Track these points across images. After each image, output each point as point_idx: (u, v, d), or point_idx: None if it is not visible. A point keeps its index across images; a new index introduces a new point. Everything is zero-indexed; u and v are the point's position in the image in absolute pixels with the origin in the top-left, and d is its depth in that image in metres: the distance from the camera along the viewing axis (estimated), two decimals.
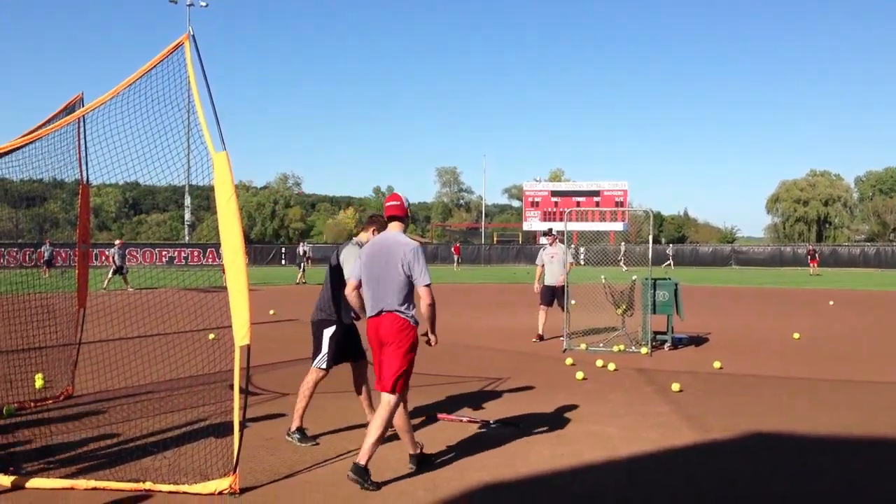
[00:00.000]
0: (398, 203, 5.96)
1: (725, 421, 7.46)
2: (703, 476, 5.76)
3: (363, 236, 6.83)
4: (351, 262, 6.29)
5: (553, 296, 13.44)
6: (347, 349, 6.96)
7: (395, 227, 5.92)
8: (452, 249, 60.22)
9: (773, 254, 65.12)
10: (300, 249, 36.42)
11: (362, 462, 5.35)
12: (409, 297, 5.67)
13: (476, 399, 8.49)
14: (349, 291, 5.96)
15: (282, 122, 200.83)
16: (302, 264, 35.03)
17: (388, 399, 5.56)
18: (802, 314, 19.55)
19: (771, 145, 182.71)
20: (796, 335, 14.24)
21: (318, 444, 6.55)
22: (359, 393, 7.04)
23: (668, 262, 59.23)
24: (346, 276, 6.37)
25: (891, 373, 10.45)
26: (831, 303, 23.27)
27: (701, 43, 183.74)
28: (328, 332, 6.80)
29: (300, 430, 6.66)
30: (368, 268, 5.74)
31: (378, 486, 5.36)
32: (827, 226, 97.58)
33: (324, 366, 6.82)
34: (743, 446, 6.66)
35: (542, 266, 13.60)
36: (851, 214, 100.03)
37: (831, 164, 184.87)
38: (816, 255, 49.63)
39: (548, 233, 13.87)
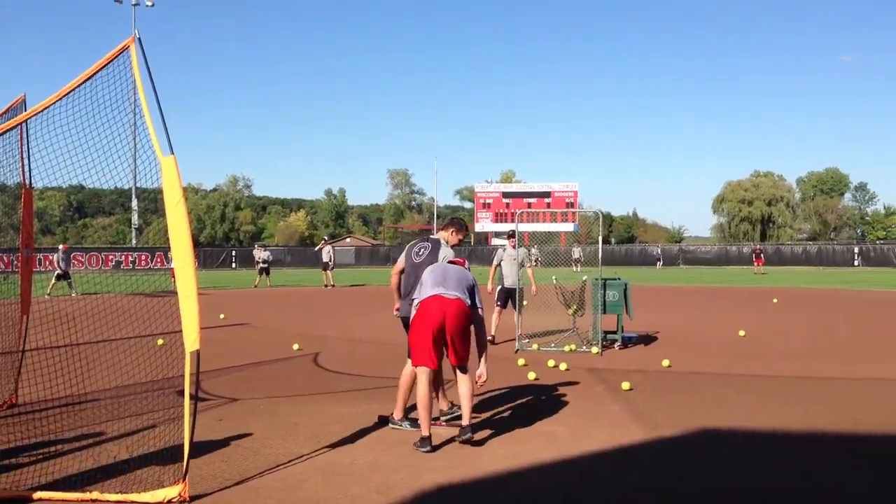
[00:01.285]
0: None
1: (674, 418, 7.59)
2: (655, 473, 5.85)
3: (444, 235, 7.70)
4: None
5: (508, 297, 13.38)
6: None
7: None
8: None
9: (719, 253, 66.45)
10: (261, 255, 35.52)
11: (466, 423, 6.57)
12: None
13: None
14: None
15: (232, 123, 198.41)
16: (264, 270, 34.14)
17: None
18: (748, 312, 19.96)
19: (716, 146, 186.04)
20: (742, 332, 14.54)
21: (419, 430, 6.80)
22: (437, 385, 7.36)
23: (659, 262, 60.23)
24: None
25: (832, 369, 10.73)
26: (775, 300, 23.79)
27: (649, 46, 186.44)
28: None
29: (405, 417, 7.11)
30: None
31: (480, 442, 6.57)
32: (770, 225, 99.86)
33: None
34: (693, 443, 6.78)
35: (497, 266, 13.57)
36: (794, 214, 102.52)
37: (774, 165, 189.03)
38: (761, 255, 50.74)
39: (511, 235, 13.67)
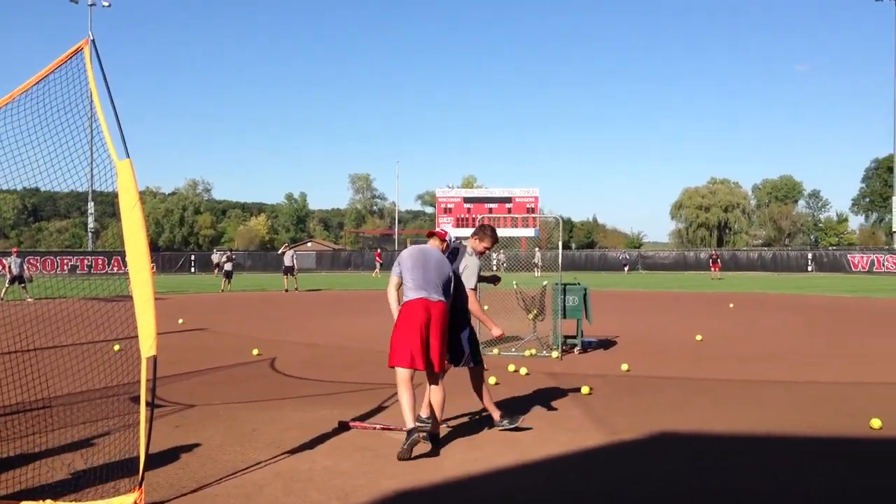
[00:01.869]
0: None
1: (634, 422, 7.66)
2: (614, 476, 5.89)
3: (471, 242, 7.68)
4: (471, 271, 7.37)
5: None
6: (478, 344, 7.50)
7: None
8: (375, 255, 60.57)
9: (677, 258, 67.31)
10: (222, 257, 35.33)
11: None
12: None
13: (390, 406, 8.48)
14: (472, 298, 7.27)
15: (191, 127, 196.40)
16: (230, 273, 33.96)
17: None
18: (705, 317, 20.24)
19: (674, 153, 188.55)
20: (699, 337, 14.73)
21: (530, 428, 7.26)
22: (479, 392, 7.42)
23: (626, 266, 60.78)
24: (466, 285, 7.30)
25: (785, 372, 10.92)
26: (731, 305, 24.15)
27: (609, 54, 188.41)
28: (464, 336, 7.25)
29: (503, 416, 7.24)
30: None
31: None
32: (727, 231, 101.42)
33: (474, 362, 7.29)
34: (651, 446, 6.85)
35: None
36: (749, 220, 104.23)
37: (730, 172, 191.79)
38: (718, 260, 51.48)
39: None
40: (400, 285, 6.97)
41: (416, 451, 6.34)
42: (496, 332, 7.26)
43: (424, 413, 6.70)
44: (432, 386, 6.81)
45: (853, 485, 5.70)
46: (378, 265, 58.15)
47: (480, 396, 7.38)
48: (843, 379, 10.36)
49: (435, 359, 6.70)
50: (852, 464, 6.26)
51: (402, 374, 6.55)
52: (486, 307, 12.96)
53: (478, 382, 7.34)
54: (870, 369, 11.25)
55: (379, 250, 66.35)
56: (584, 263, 64.96)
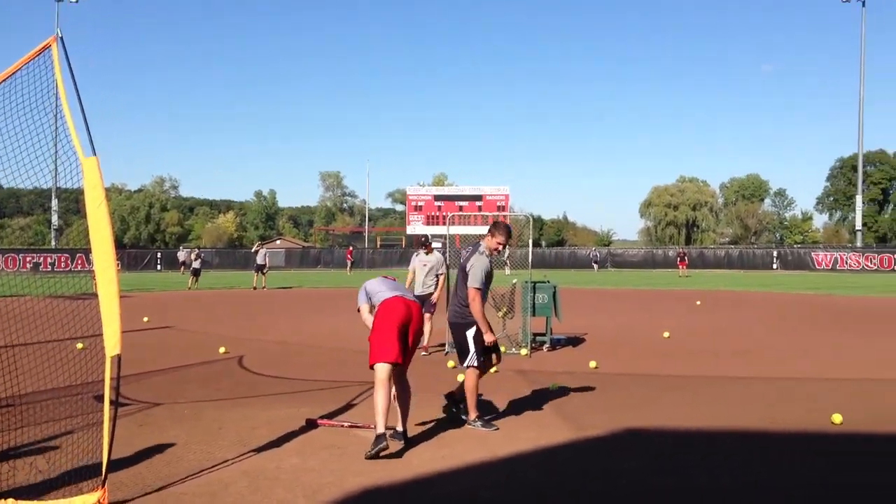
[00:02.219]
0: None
1: (600, 418, 7.72)
2: (579, 473, 5.94)
3: (487, 241, 7.59)
4: (477, 270, 7.33)
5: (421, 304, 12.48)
6: (487, 347, 7.49)
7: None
8: (346, 253, 60.44)
9: (646, 256, 67.83)
10: (191, 255, 35.10)
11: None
12: None
13: (359, 404, 8.47)
14: (473, 297, 7.30)
15: (157, 123, 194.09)
16: (198, 271, 33.74)
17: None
18: (672, 314, 20.43)
19: (644, 152, 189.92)
20: (666, 334, 14.87)
21: (498, 429, 7.26)
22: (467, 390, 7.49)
23: (596, 264, 61.11)
24: (470, 283, 7.33)
25: (750, 369, 11.07)
26: (698, 303, 24.41)
27: (579, 53, 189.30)
28: (470, 333, 7.38)
29: (479, 417, 7.34)
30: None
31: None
32: (695, 229, 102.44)
33: (475, 364, 7.39)
34: (618, 442, 6.91)
35: (414, 273, 12.84)
36: (717, 218, 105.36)
37: (699, 171, 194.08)
38: (685, 258, 51.98)
39: (424, 241, 12.97)
40: (371, 310, 7.01)
41: (385, 451, 6.32)
42: (489, 338, 7.32)
43: (400, 426, 6.68)
44: (398, 385, 6.79)
45: (813, 480, 5.79)
46: (349, 263, 58.00)
47: (463, 391, 7.50)
48: (806, 375, 10.52)
49: (408, 356, 6.76)
50: (814, 459, 6.37)
51: (382, 373, 6.44)
52: None
53: (471, 382, 7.41)
54: (831, 365, 11.44)
55: (351, 248, 66.22)
56: (554, 261, 65.22)
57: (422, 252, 12.84)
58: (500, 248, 7.55)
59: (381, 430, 6.26)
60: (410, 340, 6.75)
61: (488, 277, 7.44)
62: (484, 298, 7.43)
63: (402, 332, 6.61)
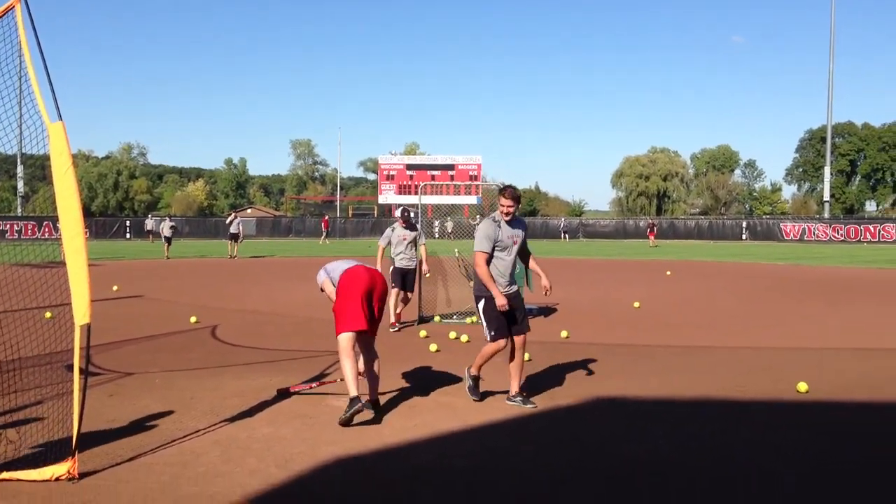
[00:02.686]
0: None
1: (571, 388, 7.79)
2: (549, 441, 5.99)
3: (499, 207, 7.20)
4: (479, 233, 7.14)
5: (403, 277, 12.14)
6: (509, 320, 7.15)
7: None
8: (321, 223, 59.93)
9: (617, 226, 68.28)
10: (161, 223, 34.94)
11: (375, 397, 6.83)
12: None
13: (331, 373, 8.46)
14: (476, 262, 7.09)
15: (125, 89, 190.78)
16: (170, 239, 33.60)
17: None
18: (643, 284, 20.61)
19: (615, 122, 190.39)
20: (636, 304, 15.01)
21: (481, 400, 7.24)
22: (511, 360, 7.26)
23: (565, 234, 61.23)
24: (474, 247, 7.14)
25: (719, 338, 11.22)
26: (669, 273, 24.65)
27: (550, 22, 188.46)
28: (480, 306, 7.15)
29: (520, 394, 7.17)
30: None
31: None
32: (666, 200, 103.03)
33: (488, 338, 7.12)
34: (587, 411, 6.97)
35: (386, 246, 12.23)
36: (688, 189, 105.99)
37: (670, 141, 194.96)
38: (655, 228, 52.41)
39: (405, 214, 12.29)
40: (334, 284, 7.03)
41: (358, 418, 6.35)
42: (499, 301, 6.90)
43: (370, 396, 6.76)
44: (366, 354, 6.83)
45: (784, 450, 5.89)
46: (325, 232, 57.22)
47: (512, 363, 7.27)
48: (773, 344, 10.69)
49: (374, 324, 6.75)
50: (778, 426, 6.48)
51: (346, 341, 6.51)
52: (427, 274, 12.88)
53: (486, 350, 7.19)
54: (798, 334, 11.63)
55: (327, 217, 65.85)
56: (569, 232, 65.20)
57: (398, 226, 12.28)
58: (509, 210, 7.04)
59: (353, 393, 6.33)
60: (376, 308, 6.75)
61: (494, 241, 6.99)
62: (495, 263, 7.10)
63: (366, 300, 6.63)
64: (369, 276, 6.73)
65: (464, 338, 10.74)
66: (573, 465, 5.43)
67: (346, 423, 6.23)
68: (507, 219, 7.10)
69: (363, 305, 6.58)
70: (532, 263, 7.63)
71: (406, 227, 12.18)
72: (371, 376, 6.79)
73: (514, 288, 7.25)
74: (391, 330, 11.54)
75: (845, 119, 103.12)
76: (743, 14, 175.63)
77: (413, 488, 4.95)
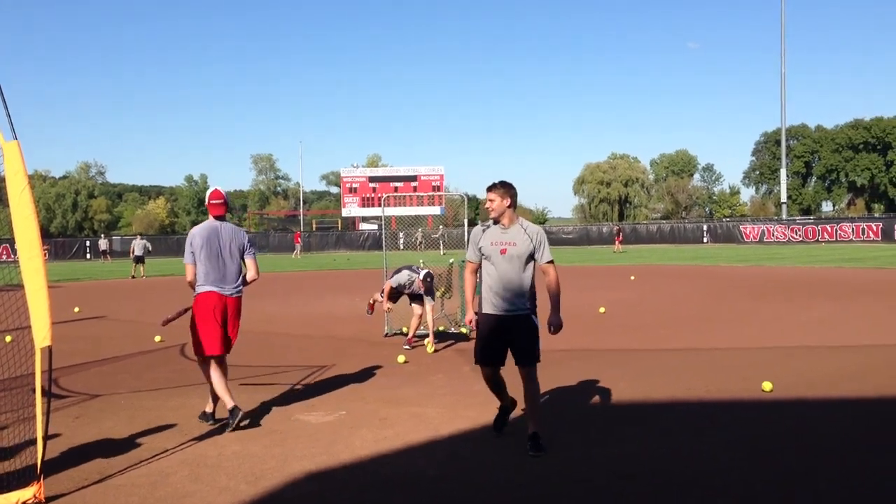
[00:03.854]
0: (222, 201, 7.18)
1: (541, 395, 7.80)
2: (519, 450, 5.99)
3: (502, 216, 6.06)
4: (469, 242, 6.32)
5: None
6: (496, 346, 6.10)
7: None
8: (293, 237, 59.54)
9: (580, 233, 68.72)
10: (133, 243, 34.31)
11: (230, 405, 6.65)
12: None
13: (300, 387, 8.41)
14: (465, 272, 6.35)
15: (82, 108, 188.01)
16: (141, 258, 33.16)
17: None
18: (607, 289, 20.77)
19: (576, 129, 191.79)
20: (602, 309, 15.13)
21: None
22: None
23: None
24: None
25: (684, 340, 11.36)
26: (632, 277, 24.87)
27: (508, 32, 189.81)
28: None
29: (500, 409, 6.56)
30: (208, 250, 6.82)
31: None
32: (627, 205, 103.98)
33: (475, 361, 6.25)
34: (559, 418, 6.99)
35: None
36: (648, 194, 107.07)
37: (630, 147, 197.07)
38: (621, 234, 52.94)
39: (426, 279, 11.06)
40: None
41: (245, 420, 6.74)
42: (467, 317, 6.37)
43: (209, 408, 7.01)
44: (217, 368, 6.93)
45: (749, 445, 5.97)
46: (298, 247, 56.57)
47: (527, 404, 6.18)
48: (738, 344, 10.84)
49: (228, 346, 6.99)
50: (746, 425, 6.57)
51: (209, 360, 6.87)
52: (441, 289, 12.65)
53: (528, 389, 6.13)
54: (761, 334, 11.80)
55: (298, 232, 65.48)
56: None
57: (417, 284, 11.12)
58: (490, 206, 6.05)
59: (231, 404, 6.63)
60: (231, 333, 6.96)
61: (478, 248, 6.08)
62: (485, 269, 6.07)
63: (222, 327, 6.84)
64: (222, 305, 6.82)
65: (430, 348, 10.74)
66: (546, 471, 5.45)
67: (237, 429, 6.57)
68: (493, 217, 6.06)
69: (220, 333, 6.82)
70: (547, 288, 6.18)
71: (423, 290, 11.15)
72: (222, 388, 6.89)
73: (515, 309, 5.99)
74: (405, 348, 10.99)
75: (799, 122, 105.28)
76: (697, 19, 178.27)
77: (383, 499, 4.93)
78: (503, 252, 5.92)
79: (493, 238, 5.99)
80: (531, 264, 6.03)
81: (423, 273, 10.85)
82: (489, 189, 6.01)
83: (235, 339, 7.02)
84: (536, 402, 6.08)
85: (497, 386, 6.35)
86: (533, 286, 6.07)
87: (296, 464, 5.64)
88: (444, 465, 5.62)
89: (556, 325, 6.08)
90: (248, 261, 7.06)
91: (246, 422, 6.80)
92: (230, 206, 7.15)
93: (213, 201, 7.10)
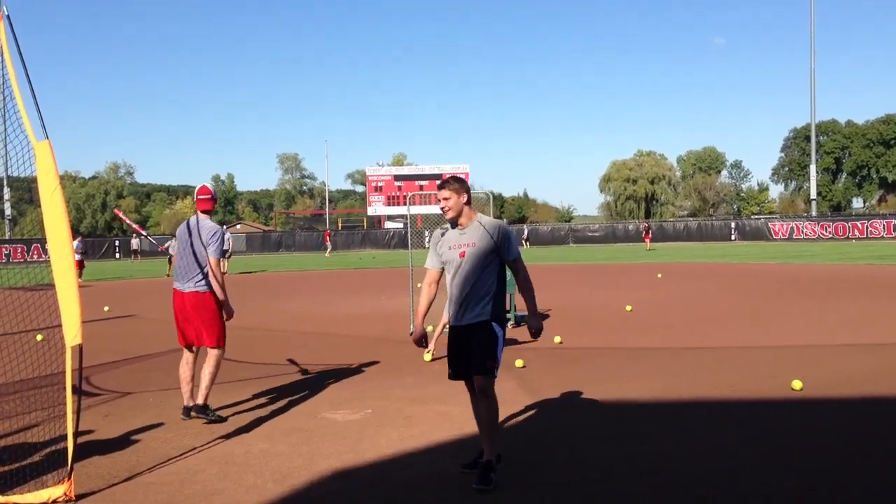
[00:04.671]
0: (208, 196, 7.19)
1: (566, 393, 7.79)
2: (549, 447, 5.99)
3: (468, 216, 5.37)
4: (430, 251, 5.56)
5: None
6: (463, 361, 5.33)
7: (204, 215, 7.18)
8: (324, 236, 60.20)
9: (606, 231, 68.34)
10: (170, 242, 34.84)
11: (201, 401, 6.83)
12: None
13: (326, 386, 8.45)
14: (425, 283, 5.51)
15: (111, 109, 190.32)
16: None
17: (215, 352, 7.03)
18: (634, 287, 20.65)
19: (602, 127, 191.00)
20: (629, 307, 15.04)
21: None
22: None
23: (525, 242, 61.07)
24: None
25: (711, 339, 11.25)
26: (659, 275, 24.70)
27: (536, 29, 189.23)
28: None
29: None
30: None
31: (223, 418, 6.93)
32: (654, 203, 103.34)
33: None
34: (582, 415, 6.98)
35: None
36: (675, 192, 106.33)
37: (656, 144, 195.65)
38: (650, 231, 52.64)
39: None
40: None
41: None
42: (414, 333, 5.65)
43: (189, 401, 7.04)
44: (188, 361, 7.19)
45: (772, 443, 5.91)
46: (328, 246, 57.05)
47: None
48: (766, 343, 10.72)
49: (203, 341, 7.06)
50: (773, 425, 6.50)
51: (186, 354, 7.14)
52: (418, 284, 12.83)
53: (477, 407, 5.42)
54: (789, 332, 11.66)
55: (329, 231, 65.98)
56: (531, 239, 65.13)
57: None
58: (445, 205, 5.33)
59: (186, 403, 6.99)
60: (199, 329, 7.02)
61: (439, 255, 5.44)
62: (449, 277, 5.37)
63: (184, 326, 7.05)
64: (181, 304, 7.00)
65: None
66: (568, 468, 5.43)
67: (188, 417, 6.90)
68: (450, 217, 5.35)
69: (186, 329, 7.06)
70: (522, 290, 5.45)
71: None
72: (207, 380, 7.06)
73: (474, 317, 5.20)
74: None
75: (829, 117, 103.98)
76: (724, 15, 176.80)
77: (409, 498, 4.94)
78: (462, 255, 5.23)
79: (450, 241, 5.34)
80: (494, 265, 5.26)
81: None
82: (440, 187, 5.37)
83: (205, 334, 6.97)
84: (492, 424, 5.26)
85: (477, 412, 5.48)
86: (501, 291, 5.33)
87: (322, 462, 5.66)
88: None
89: (535, 329, 5.25)
90: (209, 258, 6.97)
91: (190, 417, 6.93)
92: (217, 201, 7.38)
93: (200, 196, 7.18)
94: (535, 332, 5.26)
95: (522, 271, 5.38)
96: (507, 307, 12.84)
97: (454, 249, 5.28)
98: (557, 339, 11.21)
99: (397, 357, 10.22)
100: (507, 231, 5.36)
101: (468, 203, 5.33)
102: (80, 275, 31.11)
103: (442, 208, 5.35)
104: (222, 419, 6.94)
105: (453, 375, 5.44)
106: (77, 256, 32.02)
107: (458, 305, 5.26)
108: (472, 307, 5.21)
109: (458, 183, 5.35)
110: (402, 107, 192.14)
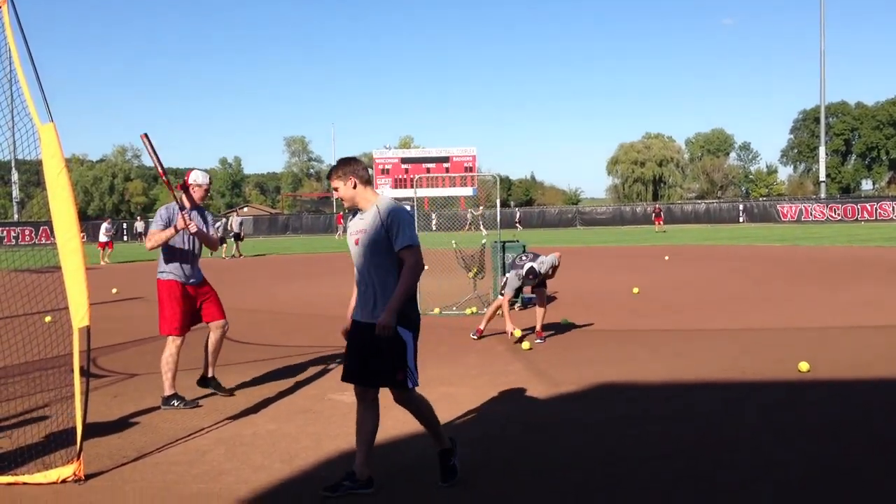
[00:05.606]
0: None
1: (573, 374, 7.80)
2: (557, 427, 6.00)
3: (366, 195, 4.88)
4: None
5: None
6: (355, 361, 4.81)
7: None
8: (336, 218, 60.59)
9: (614, 213, 68.23)
10: (229, 220, 35.67)
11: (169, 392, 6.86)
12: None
13: (334, 368, 8.47)
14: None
15: (116, 91, 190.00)
16: (239, 236, 34.45)
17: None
18: (641, 270, 20.62)
19: (610, 109, 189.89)
20: (636, 290, 15.02)
21: None
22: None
23: (517, 224, 60.94)
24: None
25: (718, 321, 11.24)
26: (666, 258, 24.66)
27: (541, 10, 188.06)
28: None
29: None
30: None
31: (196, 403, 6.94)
32: (662, 185, 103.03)
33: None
34: (591, 396, 6.99)
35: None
36: (683, 174, 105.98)
37: (664, 127, 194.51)
38: (661, 214, 52.54)
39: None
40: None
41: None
42: (343, 326, 5.06)
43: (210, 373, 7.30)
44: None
45: (780, 425, 5.91)
46: (340, 228, 57.34)
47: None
48: (773, 325, 10.70)
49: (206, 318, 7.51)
50: (780, 407, 6.49)
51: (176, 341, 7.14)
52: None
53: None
54: (797, 315, 11.64)
55: (341, 213, 66.14)
56: (523, 221, 65.28)
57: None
58: (342, 195, 4.86)
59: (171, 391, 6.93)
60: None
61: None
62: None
63: (189, 313, 7.45)
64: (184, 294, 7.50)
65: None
66: (574, 450, 5.44)
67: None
68: (347, 206, 4.92)
69: (186, 319, 7.44)
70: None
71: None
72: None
73: (376, 317, 4.57)
74: (472, 337, 10.29)
75: (838, 99, 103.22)
76: None
77: (415, 479, 4.96)
78: (356, 243, 4.74)
79: (351, 228, 4.86)
80: (392, 255, 4.64)
81: (525, 269, 9.99)
82: (328, 177, 4.94)
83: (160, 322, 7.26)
84: (431, 420, 4.93)
85: (362, 421, 4.88)
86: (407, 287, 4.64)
87: (330, 443, 5.69)
88: (473, 443, 5.63)
89: (380, 326, 4.44)
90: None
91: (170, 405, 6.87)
92: (186, 189, 7.98)
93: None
94: (378, 330, 4.44)
95: (410, 262, 4.59)
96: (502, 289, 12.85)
97: (352, 237, 4.80)
98: (565, 320, 11.22)
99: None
100: (399, 214, 4.66)
101: (363, 185, 4.77)
102: (107, 255, 31.43)
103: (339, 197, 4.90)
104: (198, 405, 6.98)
105: (345, 376, 4.86)
106: (105, 238, 32.28)
107: (359, 299, 4.77)
108: (370, 303, 4.67)
109: (343, 167, 4.77)
110: (408, 90, 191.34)
